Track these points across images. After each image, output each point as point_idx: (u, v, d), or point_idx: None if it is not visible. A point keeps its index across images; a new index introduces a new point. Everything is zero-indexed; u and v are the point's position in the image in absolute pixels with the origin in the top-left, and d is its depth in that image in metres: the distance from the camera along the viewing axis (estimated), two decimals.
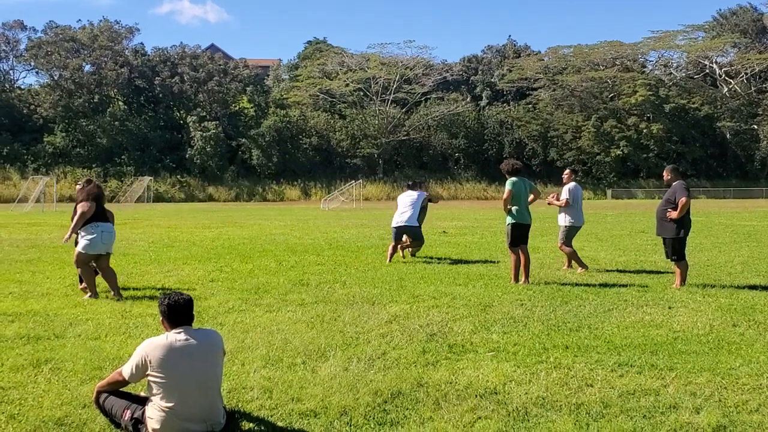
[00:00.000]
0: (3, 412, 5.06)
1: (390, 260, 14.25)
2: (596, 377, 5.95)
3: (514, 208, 11.35)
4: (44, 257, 15.31)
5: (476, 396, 5.42)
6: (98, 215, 10.00)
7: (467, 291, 10.50)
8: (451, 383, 5.78)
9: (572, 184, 13.15)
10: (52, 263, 14.16)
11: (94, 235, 9.90)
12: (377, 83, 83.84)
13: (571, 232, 13.03)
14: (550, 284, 11.18)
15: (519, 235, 11.40)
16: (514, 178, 11.42)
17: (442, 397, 5.37)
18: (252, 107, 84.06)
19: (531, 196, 11.72)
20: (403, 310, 8.92)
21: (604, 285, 11.10)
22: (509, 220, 11.42)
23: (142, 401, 4.75)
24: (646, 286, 10.74)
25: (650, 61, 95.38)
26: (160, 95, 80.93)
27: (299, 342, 7.12)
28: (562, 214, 13.10)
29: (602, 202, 66.57)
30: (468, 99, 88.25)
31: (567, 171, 13.76)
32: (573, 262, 13.03)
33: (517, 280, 11.23)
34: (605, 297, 9.93)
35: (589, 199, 70.03)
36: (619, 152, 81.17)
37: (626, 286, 10.87)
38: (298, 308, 9.09)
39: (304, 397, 5.37)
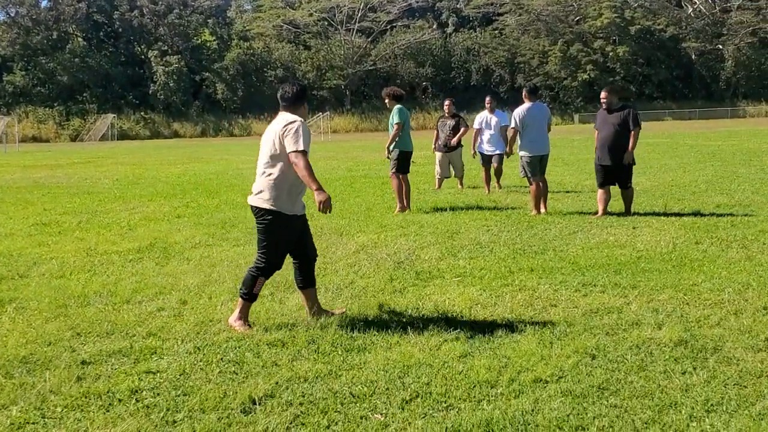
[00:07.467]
0: None
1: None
2: (560, 297, 6.05)
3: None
4: (7, 198, 15.06)
5: (443, 320, 5.47)
6: None
7: (434, 219, 10.54)
8: (417, 309, 5.84)
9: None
10: (16, 204, 13.94)
11: None
12: (341, 12, 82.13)
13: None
14: (516, 209, 11.25)
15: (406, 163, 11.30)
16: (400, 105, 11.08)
17: (410, 323, 5.41)
18: (214, 40, 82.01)
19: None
20: (370, 240, 8.94)
21: (570, 209, 11.20)
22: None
23: None
24: (611, 208, 10.77)
25: None
26: (120, 30, 78.70)
27: None
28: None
29: (570, 127, 66.66)
30: (434, 26, 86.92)
31: (488, 98, 14.41)
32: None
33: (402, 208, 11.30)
34: (570, 220, 10.04)
35: (557, 124, 69.93)
36: (585, 76, 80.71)
37: (592, 209, 10.94)
38: None
39: (272, 328, 5.39)
